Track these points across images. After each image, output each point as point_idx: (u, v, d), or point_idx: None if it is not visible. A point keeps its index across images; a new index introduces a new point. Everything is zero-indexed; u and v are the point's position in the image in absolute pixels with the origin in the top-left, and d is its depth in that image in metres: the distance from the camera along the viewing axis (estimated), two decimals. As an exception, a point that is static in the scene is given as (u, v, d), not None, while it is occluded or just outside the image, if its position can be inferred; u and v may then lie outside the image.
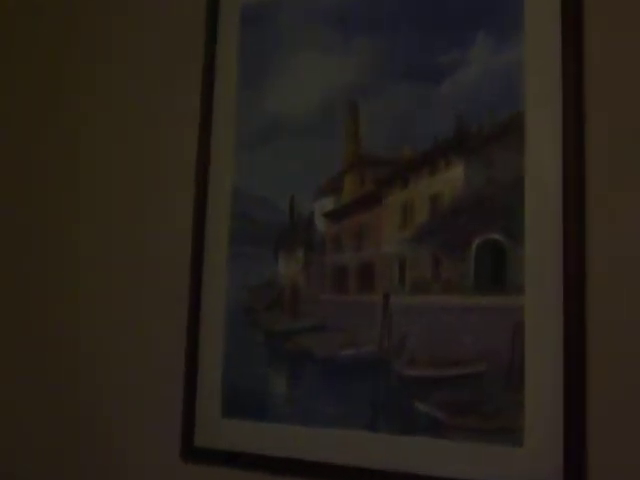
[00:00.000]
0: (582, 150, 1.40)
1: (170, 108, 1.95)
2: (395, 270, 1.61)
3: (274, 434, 1.71)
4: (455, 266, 1.54)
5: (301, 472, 1.63)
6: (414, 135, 1.60)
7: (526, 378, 1.41)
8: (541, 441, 1.38)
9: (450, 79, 1.57)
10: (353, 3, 1.70)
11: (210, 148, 1.86)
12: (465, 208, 1.54)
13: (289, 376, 1.73)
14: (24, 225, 2.11)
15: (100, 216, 2.03)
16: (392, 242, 1.62)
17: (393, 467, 1.53)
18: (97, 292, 2.00)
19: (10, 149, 2.18)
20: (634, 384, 1.33)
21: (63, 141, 2.09)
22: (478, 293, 1.50)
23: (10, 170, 2.17)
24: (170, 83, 1.96)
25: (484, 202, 1.52)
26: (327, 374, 1.66)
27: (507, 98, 1.49)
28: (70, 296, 2.03)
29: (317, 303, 1.71)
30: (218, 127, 1.86)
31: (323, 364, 1.68)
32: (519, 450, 1.40)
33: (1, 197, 2.17)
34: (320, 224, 1.74)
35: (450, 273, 1.54)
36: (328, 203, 1.73)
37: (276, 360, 1.75)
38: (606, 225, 1.39)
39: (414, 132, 1.61)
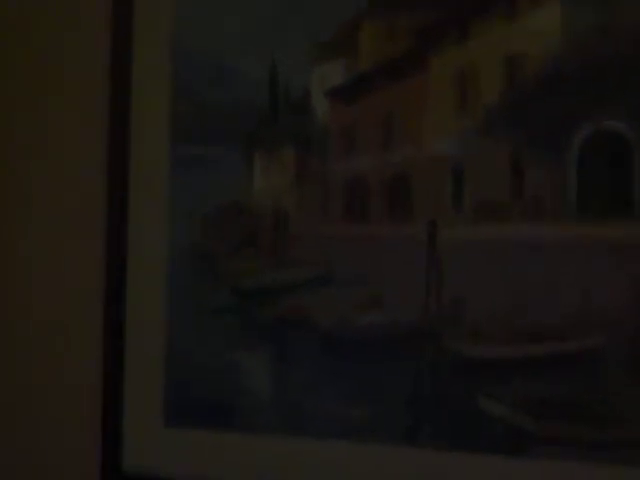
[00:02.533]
0: None
1: None
2: (447, 184, 1.57)
3: (250, 452, 1.68)
4: (548, 176, 1.49)
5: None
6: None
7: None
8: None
9: None
10: None
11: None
12: (564, 77, 1.47)
13: (273, 360, 1.71)
14: None
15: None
16: (442, 137, 1.57)
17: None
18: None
19: None
20: None
21: None
22: (586, 220, 1.46)
23: None
24: None
25: (596, 66, 1.45)
26: (336, 356, 1.63)
27: None
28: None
29: (317, 240, 1.67)
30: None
31: (329, 340, 1.65)
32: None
33: None
34: (321, 108, 1.69)
35: (540, 188, 1.49)
36: (334, 72, 1.67)
37: (251, 335, 1.72)
38: None
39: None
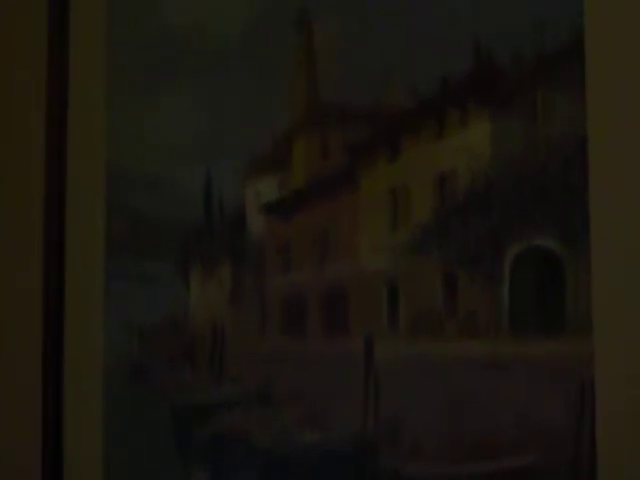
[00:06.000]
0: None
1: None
2: (383, 299, 1.57)
3: None
4: (481, 292, 1.49)
5: None
6: (409, 72, 1.53)
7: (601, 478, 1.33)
8: None
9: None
10: None
11: (67, 92, 1.77)
12: (494, 194, 1.48)
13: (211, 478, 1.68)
14: None
15: None
16: (376, 253, 1.58)
17: None
18: None
19: None
20: None
21: None
22: (518, 337, 1.46)
23: None
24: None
25: (525, 184, 1.46)
26: (274, 475, 1.62)
27: (561, 7, 1.39)
28: None
29: (255, 356, 1.66)
30: (77, 52, 1.76)
31: (267, 458, 1.62)
32: None
33: None
34: (256, 223, 1.71)
35: (472, 304, 1.50)
36: (269, 188, 1.69)
37: (188, 453, 1.69)
38: None
39: (408, 68, 1.53)
